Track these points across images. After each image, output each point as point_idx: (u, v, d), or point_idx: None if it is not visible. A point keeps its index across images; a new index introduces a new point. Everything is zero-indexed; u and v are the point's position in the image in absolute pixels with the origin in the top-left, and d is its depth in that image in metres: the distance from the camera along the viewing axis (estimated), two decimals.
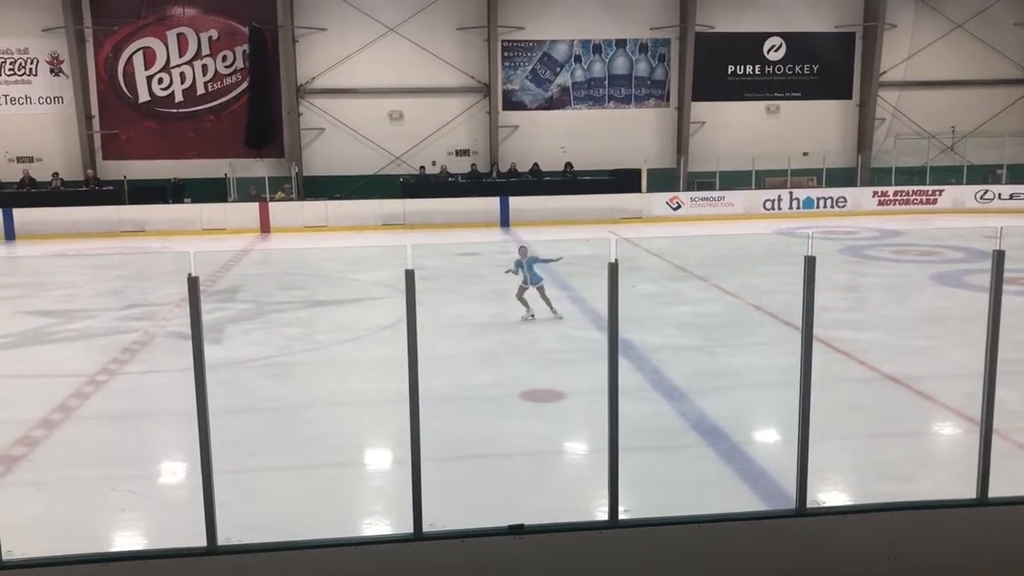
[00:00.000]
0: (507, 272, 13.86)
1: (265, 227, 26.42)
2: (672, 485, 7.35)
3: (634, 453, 7.71)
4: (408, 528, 4.72)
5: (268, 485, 7.42)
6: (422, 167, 29.19)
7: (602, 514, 4.93)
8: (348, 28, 28.72)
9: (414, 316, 4.60)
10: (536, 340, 12.59)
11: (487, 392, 10.08)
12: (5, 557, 4.53)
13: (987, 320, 5.04)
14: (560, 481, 7.61)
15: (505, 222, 26.80)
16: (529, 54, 29.78)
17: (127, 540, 6.63)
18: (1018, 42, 30.71)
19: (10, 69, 28.29)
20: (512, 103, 29.96)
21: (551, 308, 13.49)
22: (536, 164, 29.24)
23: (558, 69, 29.96)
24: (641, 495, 6.86)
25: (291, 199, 27.85)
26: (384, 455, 8.39)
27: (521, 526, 4.69)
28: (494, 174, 29.16)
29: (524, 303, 13.49)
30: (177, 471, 8.02)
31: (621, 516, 4.87)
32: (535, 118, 30.06)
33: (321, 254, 21.78)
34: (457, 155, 29.86)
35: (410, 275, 4.59)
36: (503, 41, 29.40)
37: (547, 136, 29.82)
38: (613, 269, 4.80)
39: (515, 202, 26.90)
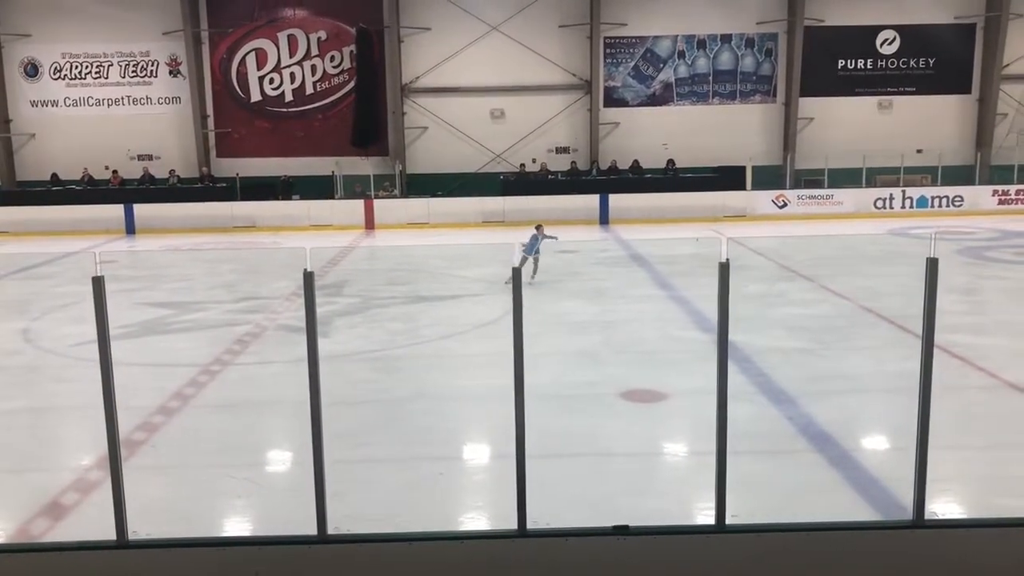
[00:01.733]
0: (522, 245, 16.49)
1: (369, 224, 27.00)
2: (779, 491, 7.17)
3: (739, 457, 7.52)
4: (512, 524, 4.75)
5: (375, 476, 7.59)
6: (522, 165, 29.30)
7: (705, 518, 4.86)
8: (452, 27, 29.05)
9: (520, 313, 4.61)
10: (638, 340, 12.49)
11: (588, 390, 10.05)
12: (131, 537, 4.76)
13: None
14: (662, 483, 7.53)
15: (605, 220, 26.64)
16: (631, 51, 29.52)
17: (242, 526, 6.88)
18: None
19: (133, 71, 29.72)
20: (613, 100, 29.76)
21: (532, 272, 16.18)
22: (636, 161, 28.97)
23: (661, 65, 29.60)
24: (746, 500, 6.70)
25: (394, 196, 28.38)
26: (488, 450, 8.46)
27: (626, 527, 4.65)
28: (594, 172, 29.03)
29: (524, 270, 15.80)
30: (288, 460, 8.27)
31: (728, 521, 4.78)
32: (636, 115, 29.79)
33: (423, 250, 22.14)
34: (557, 153, 29.85)
35: (516, 272, 4.61)
36: (605, 38, 29.23)
37: (648, 133, 29.50)
38: (724, 269, 4.72)
39: (615, 200, 26.72)
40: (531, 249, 16.23)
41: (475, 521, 6.73)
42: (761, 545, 4.67)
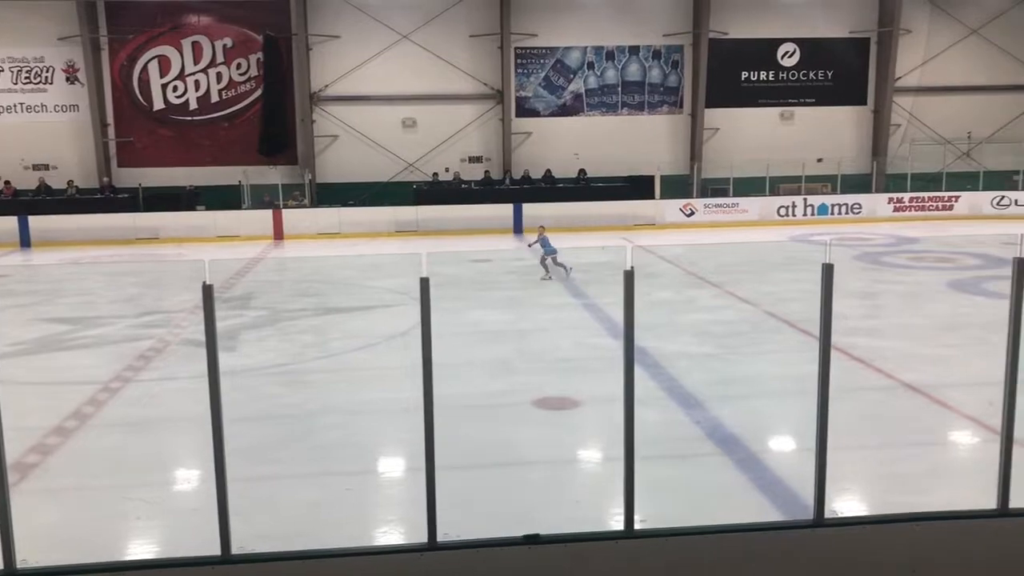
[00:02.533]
0: (530, 245, 18.22)
1: (278, 234, 26.50)
2: (688, 494, 7.29)
3: (650, 462, 7.62)
4: (422, 538, 4.69)
5: (283, 493, 7.41)
6: (435, 174, 29.24)
7: (618, 524, 4.88)
8: (361, 35, 28.82)
9: (429, 324, 4.57)
10: (551, 348, 12.56)
11: (502, 400, 10.04)
12: (19, 566, 4.52)
13: (1008, 328, 4.96)
14: (576, 490, 7.56)
15: (519, 229, 26.77)
16: (542, 61, 29.80)
17: (141, 548, 6.63)
18: None
19: (26, 77, 28.52)
20: (525, 110, 29.97)
21: (564, 268, 17.50)
22: (549, 171, 29.22)
23: (571, 76, 29.96)
24: (657, 504, 6.80)
25: (304, 206, 27.93)
26: (399, 463, 8.36)
27: (537, 536, 4.64)
28: (507, 181, 29.16)
29: (545, 268, 17.71)
30: (192, 479, 8.01)
31: (637, 526, 4.82)
32: (548, 125, 30.06)
33: (334, 261, 21.83)
34: (470, 162, 29.89)
35: (425, 283, 4.56)
36: (516, 48, 29.43)
37: (560, 143, 29.81)
38: (629, 277, 4.76)
39: (528, 209, 26.87)
40: (551, 250, 17.60)
41: (386, 536, 6.64)
42: (669, 549, 4.72)
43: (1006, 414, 5.00)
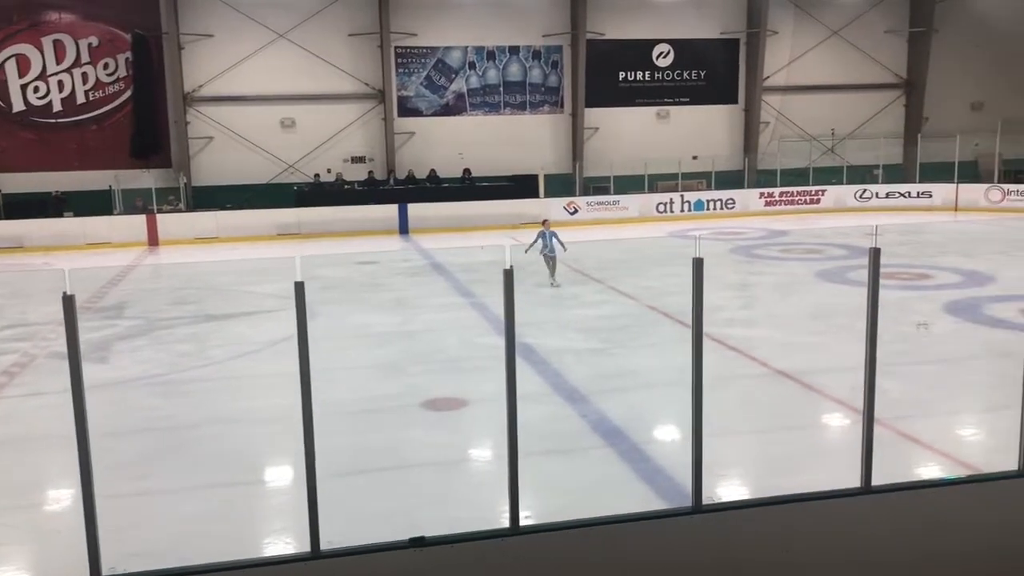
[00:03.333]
0: (531, 245, 16.32)
1: (153, 240, 25.50)
2: (574, 487, 7.40)
3: (536, 457, 7.73)
4: (308, 547, 4.60)
5: (159, 509, 7.13)
6: (317, 175, 28.73)
7: (505, 521, 4.91)
8: (236, 34, 28.03)
9: (305, 329, 4.48)
10: (439, 348, 12.53)
11: (389, 403, 9.95)
12: None
13: (866, 314, 5.23)
14: (464, 490, 7.57)
15: (404, 230, 26.60)
16: (423, 60, 29.68)
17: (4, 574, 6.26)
18: (890, 48, 32.30)
19: None
20: (408, 109, 29.80)
21: (552, 276, 16.28)
22: (434, 171, 29.15)
23: (453, 76, 29.95)
24: (544, 499, 6.88)
25: (180, 210, 26.97)
26: (282, 472, 8.17)
27: (422, 538, 4.62)
28: (391, 181, 28.92)
29: (550, 269, 16.46)
30: (61, 498, 7.62)
31: (523, 522, 4.86)
32: (431, 124, 29.97)
33: (212, 267, 21.15)
34: (353, 162, 29.50)
35: (300, 287, 4.46)
36: (396, 48, 29.21)
37: (444, 142, 29.77)
38: (508, 276, 4.79)
39: (414, 209, 26.74)
40: (546, 247, 16.20)
41: (270, 547, 6.48)
42: (553, 544, 4.78)
43: (867, 396, 5.28)
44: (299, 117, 28.97)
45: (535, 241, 16.35)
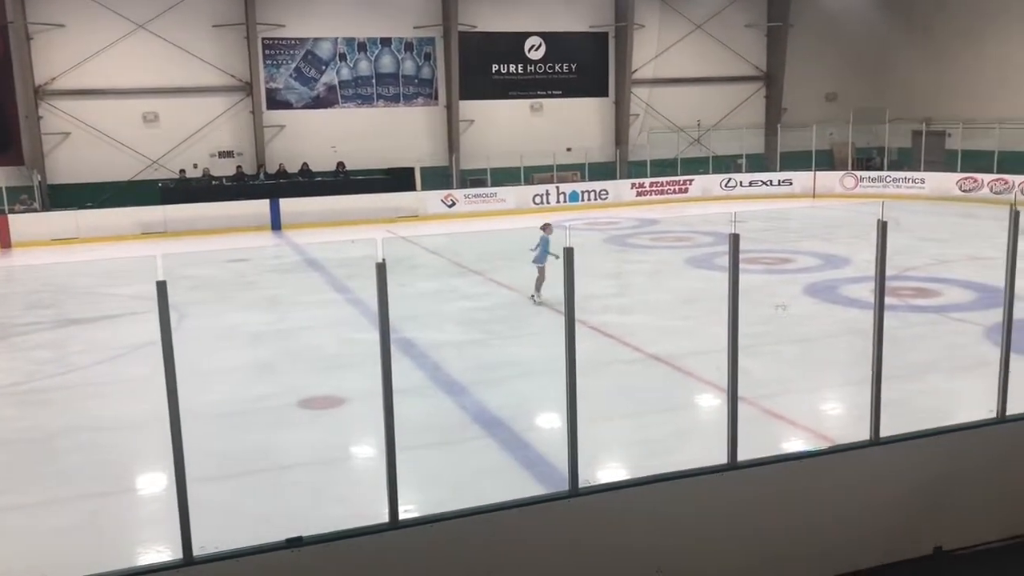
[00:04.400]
0: (532, 250, 14.08)
1: (5, 242, 23.99)
2: (455, 479, 7.44)
3: (417, 451, 7.72)
4: (180, 554, 4.46)
5: (19, 525, 6.75)
6: (182, 171, 27.65)
7: (385, 517, 4.89)
8: (90, 25, 26.61)
9: (169, 331, 4.34)
10: (315, 346, 12.31)
11: (264, 403, 9.72)
12: None
13: (728, 297, 5.46)
14: (343, 488, 7.49)
15: (277, 225, 25.94)
16: (292, 52, 28.98)
17: None
18: (750, 42, 33.63)
19: None
20: (277, 102, 29.04)
21: (536, 289, 14.02)
22: (306, 164, 28.54)
23: (323, 67, 29.38)
24: (425, 492, 6.88)
25: (34, 210, 25.46)
26: (153, 479, 7.87)
27: (299, 538, 4.55)
28: (262, 176, 28.15)
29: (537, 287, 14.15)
30: None
31: (403, 516, 4.85)
32: (302, 117, 29.32)
33: (71, 268, 20.08)
34: (220, 157, 28.54)
35: (161, 287, 4.32)
36: (263, 39, 28.42)
37: (316, 136, 29.18)
38: (381, 269, 4.77)
39: (286, 204, 26.11)
40: (542, 257, 13.63)
41: (142, 557, 6.24)
42: (433, 535, 4.80)
43: (730, 377, 5.52)
44: (162, 111, 27.81)
45: (538, 245, 13.90)
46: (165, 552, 6.09)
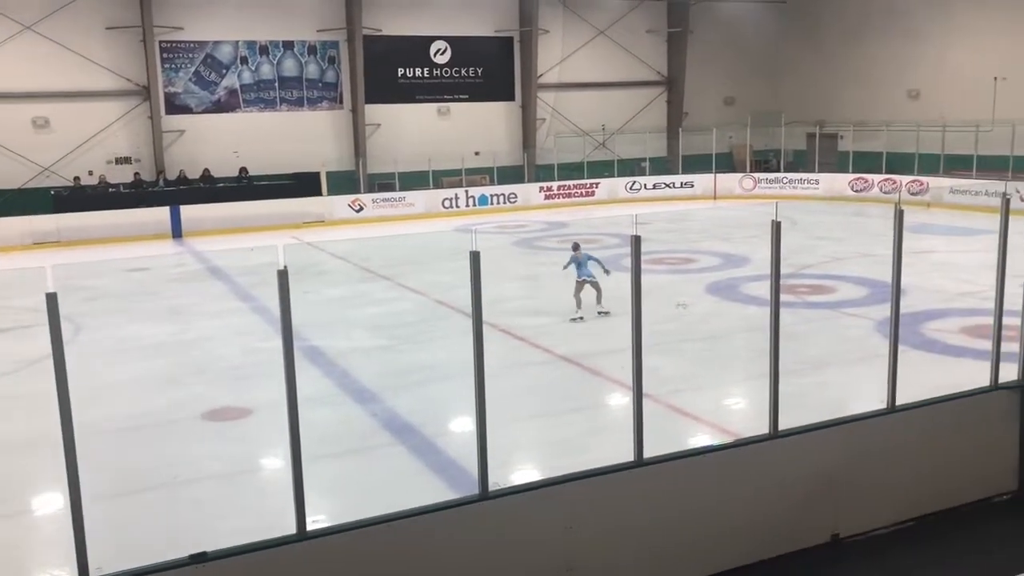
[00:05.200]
0: (564, 268, 13.71)
1: None
2: (365, 487, 7.37)
3: (326, 460, 7.63)
4: None
5: None
6: (77, 178, 26.59)
7: (293, 528, 4.81)
8: None
9: (60, 344, 4.18)
10: (218, 357, 12.02)
11: (166, 417, 9.44)
12: None
13: (631, 297, 5.58)
14: (249, 500, 7.33)
15: (178, 233, 25.21)
16: (191, 55, 28.22)
17: None
18: (651, 48, 34.33)
19: None
20: (176, 107, 28.23)
21: (598, 303, 13.24)
22: (207, 170, 27.82)
23: (224, 71, 28.69)
24: (335, 501, 6.80)
25: None
26: (48, 499, 7.55)
27: (203, 554, 4.44)
28: (161, 183, 27.31)
29: (577, 302, 13.37)
30: None
31: (311, 527, 4.79)
32: (203, 122, 28.57)
33: None
34: (117, 163, 27.56)
35: (52, 299, 4.16)
36: (161, 42, 27.59)
37: (218, 141, 28.46)
38: (282, 276, 4.70)
39: (187, 211, 25.38)
40: (583, 272, 13.23)
41: None
42: (343, 545, 4.75)
43: (635, 377, 5.63)
44: (54, 116, 26.69)
45: (568, 265, 13.65)
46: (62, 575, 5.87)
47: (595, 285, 13.26)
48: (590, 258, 13.54)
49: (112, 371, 10.93)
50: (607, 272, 13.34)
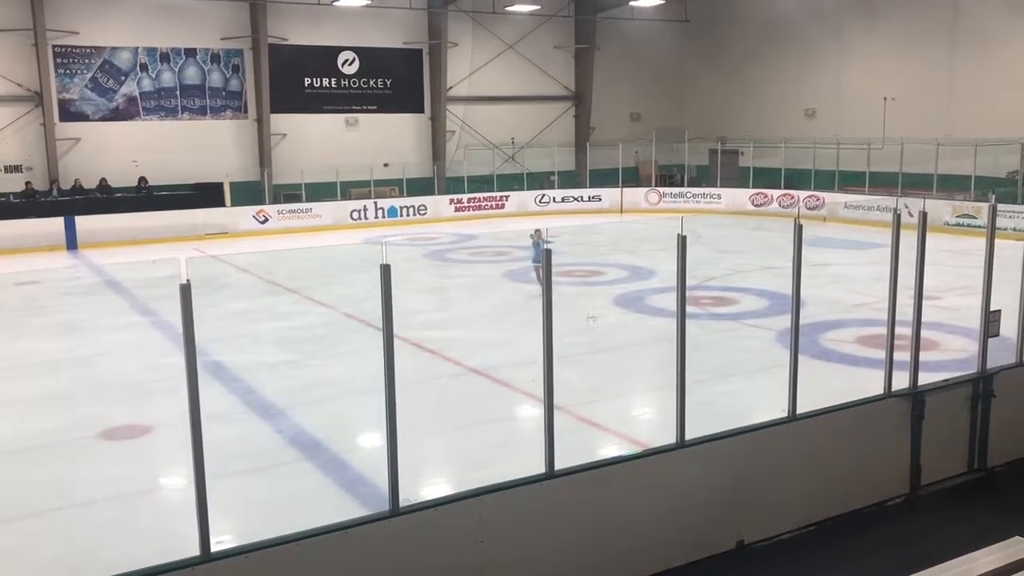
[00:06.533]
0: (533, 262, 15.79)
1: None
2: (271, 505, 7.18)
3: (230, 478, 7.42)
4: None
5: None
6: None
7: (196, 550, 4.65)
8: None
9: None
10: (117, 373, 11.57)
11: (60, 437, 9.02)
12: None
13: (542, 309, 5.61)
14: (149, 522, 7.06)
15: (72, 245, 24.20)
16: (87, 61, 27.21)
17: None
18: (559, 63, 34.77)
19: None
20: (71, 114, 27.16)
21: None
22: (104, 180, 26.83)
23: (123, 78, 27.76)
24: (241, 520, 6.62)
25: None
26: None
27: None
28: (55, 192, 26.22)
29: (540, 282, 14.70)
30: None
31: (215, 548, 4.64)
32: (100, 130, 27.56)
33: None
34: (7, 172, 26.34)
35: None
36: (54, 46, 26.52)
37: (116, 149, 27.49)
38: (185, 290, 4.56)
39: (83, 222, 24.39)
40: (539, 257, 14.69)
41: None
42: (248, 566, 4.61)
43: (546, 389, 5.66)
44: None
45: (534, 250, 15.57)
46: None
47: (537, 270, 15.10)
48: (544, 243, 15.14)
49: (1, 389, 10.40)
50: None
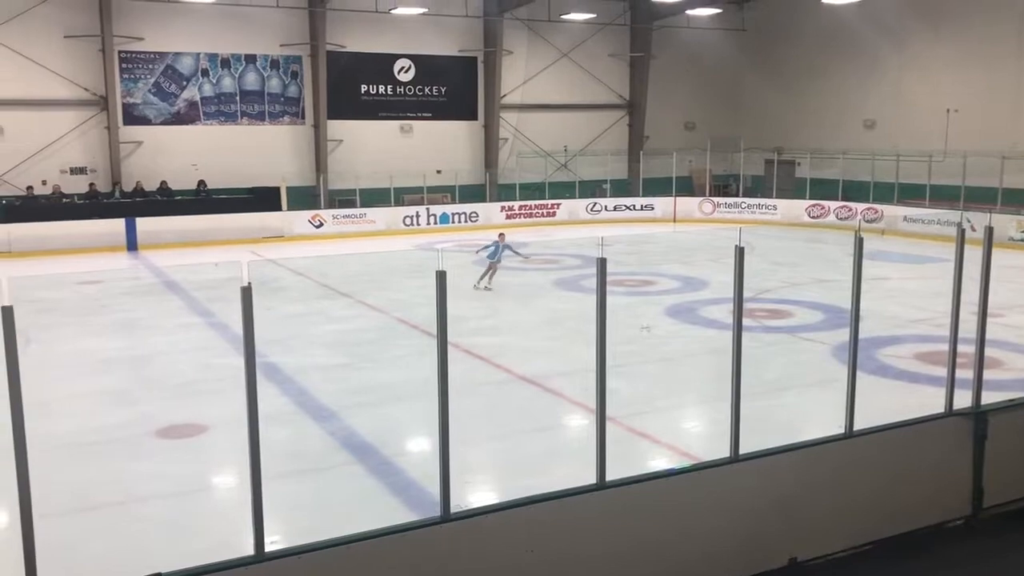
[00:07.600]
0: (478, 251, 17.52)
1: None
2: (324, 507, 7.26)
3: (283, 479, 7.52)
4: None
5: None
6: (30, 188, 26.07)
7: (250, 549, 4.72)
8: None
9: (15, 359, 4.06)
10: (174, 372, 11.80)
11: (119, 433, 9.24)
12: None
13: (596, 319, 5.58)
14: (205, 520, 7.18)
15: (133, 246, 24.79)
16: (151, 66, 27.89)
17: None
18: (613, 71, 34.69)
19: None
20: (134, 118, 27.85)
21: (487, 280, 17.00)
22: (165, 182, 27.45)
23: (184, 83, 28.39)
24: (292, 522, 6.70)
25: None
26: None
27: (158, 575, 4.33)
28: (117, 194, 26.89)
29: (488, 277, 17.09)
30: None
31: (268, 548, 4.69)
32: (161, 134, 28.22)
33: None
34: (72, 173, 27.10)
35: (8, 312, 4.04)
36: (120, 52, 27.24)
37: (176, 153, 28.12)
38: (247, 293, 4.63)
39: (143, 224, 24.99)
40: (495, 254, 16.94)
41: None
42: (301, 567, 4.66)
43: (599, 398, 5.63)
44: (7, 124, 26.18)
45: (488, 247, 17.27)
46: None
47: (493, 267, 17.03)
48: (508, 247, 17.30)
49: (60, 386, 10.69)
50: (525, 257, 18.28)
